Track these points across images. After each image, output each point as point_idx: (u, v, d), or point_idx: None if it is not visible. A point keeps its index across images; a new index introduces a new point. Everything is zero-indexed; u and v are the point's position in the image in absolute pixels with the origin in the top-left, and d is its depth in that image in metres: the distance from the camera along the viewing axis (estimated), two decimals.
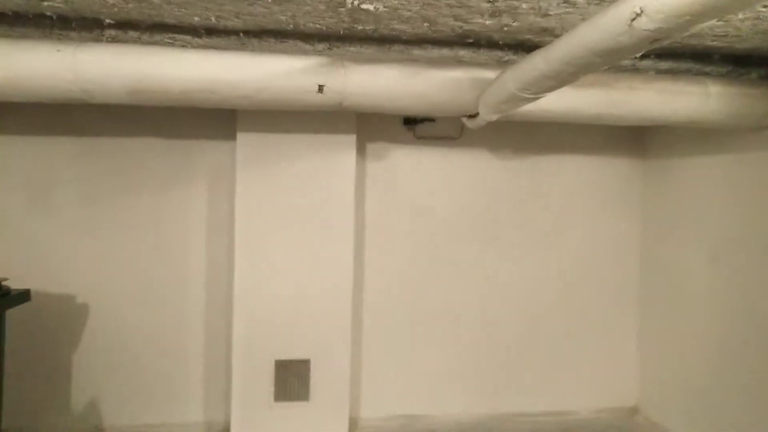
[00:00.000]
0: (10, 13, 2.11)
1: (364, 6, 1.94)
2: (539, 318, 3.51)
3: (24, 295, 2.46)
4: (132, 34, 2.28)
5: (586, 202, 3.54)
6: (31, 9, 2.05)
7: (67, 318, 3.09)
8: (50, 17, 2.14)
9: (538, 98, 2.04)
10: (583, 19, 1.80)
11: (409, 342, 3.39)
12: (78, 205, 3.10)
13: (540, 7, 1.91)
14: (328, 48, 2.44)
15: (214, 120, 3.15)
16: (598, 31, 1.47)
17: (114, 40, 2.31)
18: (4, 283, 2.39)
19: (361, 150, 3.25)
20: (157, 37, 2.31)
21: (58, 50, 2.15)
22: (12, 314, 2.48)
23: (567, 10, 1.93)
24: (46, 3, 1.98)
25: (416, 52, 2.47)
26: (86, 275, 3.09)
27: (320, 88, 2.28)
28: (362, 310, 3.32)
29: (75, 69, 2.13)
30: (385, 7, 1.94)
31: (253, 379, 3.03)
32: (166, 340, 3.17)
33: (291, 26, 2.19)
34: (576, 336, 3.54)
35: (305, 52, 2.41)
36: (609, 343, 3.58)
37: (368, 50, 2.46)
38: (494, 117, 2.39)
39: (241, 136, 2.99)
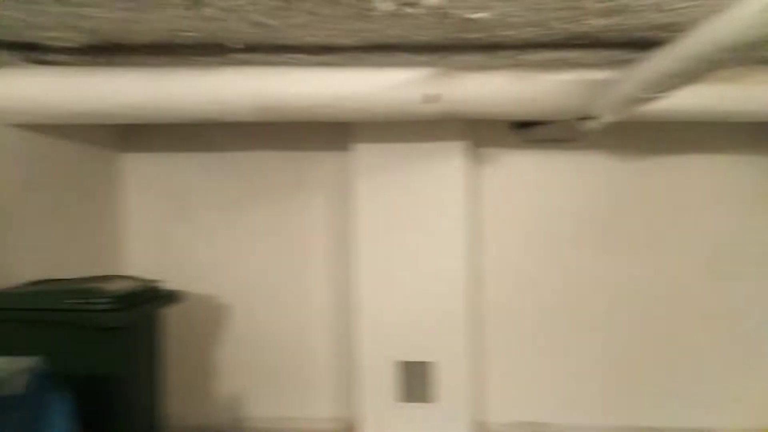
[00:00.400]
0: (153, 45, 2.40)
1: (472, 16, 1.97)
2: (674, 327, 3.28)
3: (176, 296, 2.70)
4: (258, 56, 2.48)
5: (722, 202, 3.27)
6: (171, 39, 2.31)
7: (209, 317, 3.40)
8: (187, 45, 2.40)
9: (660, 98, 1.95)
10: (706, 13, 1.69)
11: (534, 348, 3.33)
12: (212, 213, 3.41)
13: (658, 4, 1.83)
14: (436, 58, 2.49)
15: (328, 132, 3.32)
16: (728, 26, 1.38)
17: (242, 63, 2.53)
18: (159, 285, 2.65)
19: (472, 155, 3.26)
20: (280, 57, 2.50)
21: (195, 75, 2.40)
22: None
23: (687, 4, 1.83)
24: (184, 34, 2.23)
25: (523, 56, 2.45)
26: (223, 277, 3.40)
27: (430, 98, 2.34)
28: (484, 314, 3.31)
29: (210, 91, 2.36)
30: (493, 15, 1.96)
31: (376, 379, 3.15)
32: (295, 339, 3.39)
33: (400, 40, 2.28)
34: (716, 347, 3.27)
35: (414, 64, 2.48)
36: (754, 356, 3.27)
37: (475, 57, 2.48)
38: (612, 119, 2.31)
39: (355, 147, 3.14)
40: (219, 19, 2.04)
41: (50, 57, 2.50)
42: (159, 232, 3.45)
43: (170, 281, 2.78)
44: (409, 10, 1.94)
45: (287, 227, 3.40)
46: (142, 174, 3.45)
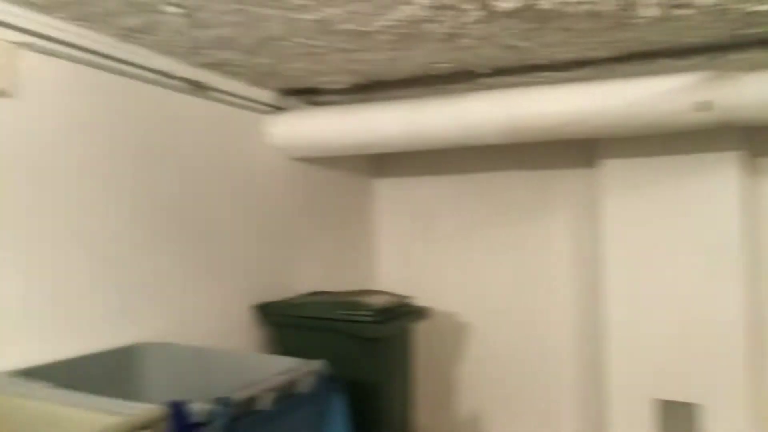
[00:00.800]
0: (408, 78, 2.60)
1: (759, 8, 1.71)
2: None
3: (426, 312, 2.84)
4: (505, 79, 2.52)
5: None
6: (425, 71, 2.48)
7: (452, 334, 3.52)
8: (437, 76, 2.55)
9: None
10: None
11: None
12: (458, 233, 3.54)
13: None
14: (704, 60, 2.23)
15: (572, 148, 3.19)
16: None
17: (489, 87, 2.59)
18: (410, 301, 2.82)
19: (749, 167, 2.81)
20: (527, 78, 2.50)
21: (445, 103, 2.53)
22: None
23: None
24: (438, 65, 2.38)
25: None
26: (465, 296, 3.49)
27: (702, 106, 2.09)
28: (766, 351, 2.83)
29: (460, 117, 2.46)
30: None
31: (628, 417, 2.89)
32: (537, 363, 3.31)
33: (662, 45, 2.09)
34: None
35: (676, 70, 2.25)
36: None
37: (758, 55, 2.15)
38: None
39: (603, 163, 2.96)
40: (472, 48, 2.12)
41: (323, 98, 2.88)
42: (405, 250, 3.69)
43: (414, 296, 2.95)
44: (678, 12, 1.77)
45: (530, 247, 3.34)
46: (392, 197, 3.74)
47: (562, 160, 3.27)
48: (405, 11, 1.76)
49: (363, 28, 1.91)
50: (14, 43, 1.70)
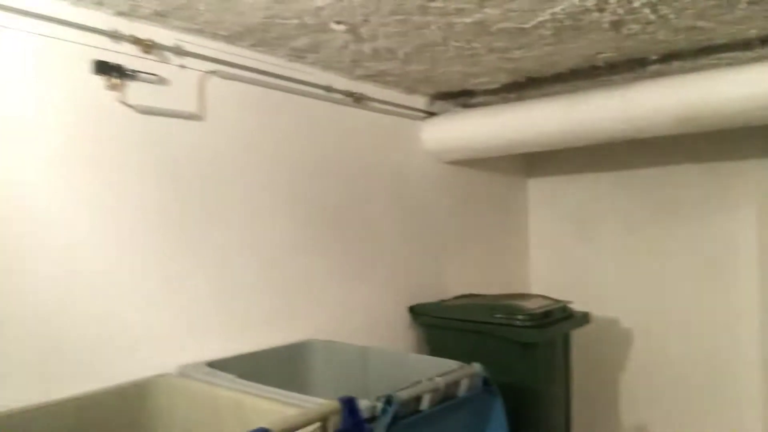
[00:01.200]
0: (564, 72, 2.48)
1: None
2: None
3: (586, 318, 2.70)
4: (675, 64, 2.30)
5: None
6: (586, 63, 2.35)
7: (613, 340, 3.31)
8: (597, 67, 2.40)
9: None
10: None
11: None
12: (618, 233, 3.31)
13: None
14: None
15: (755, 137, 2.82)
16: None
17: (657, 75, 2.38)
18: (569, 306, 2.69)
19: None
20: (701, 61, 2.26)
21: (607, 95, 2.37)
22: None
23: None
24: (600, 56, 2.24)
25: None
26: (629, 300, 3.26)
27: None
28: None
29: (625, 109, 2.29)
30: None
31: None
32: (715, 375, 3.00)
33: None
34: None
35: None
36: None
37: None
38: None
39: None
40: (641, 34, 1.97)
41: (475, 100, 2.86)
42: (560, 252, 3.53)
43: (572, 301, 2.80)
44: None
45: (705, 247, 3.02)
46: (545, 197, 3.61)
47: (744, 150, 2.91)
48: (565, 4, 1.69)
49: (521, 26, 1.86)
50: (205, 72, 1.92)
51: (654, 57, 2.25)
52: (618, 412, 3.30)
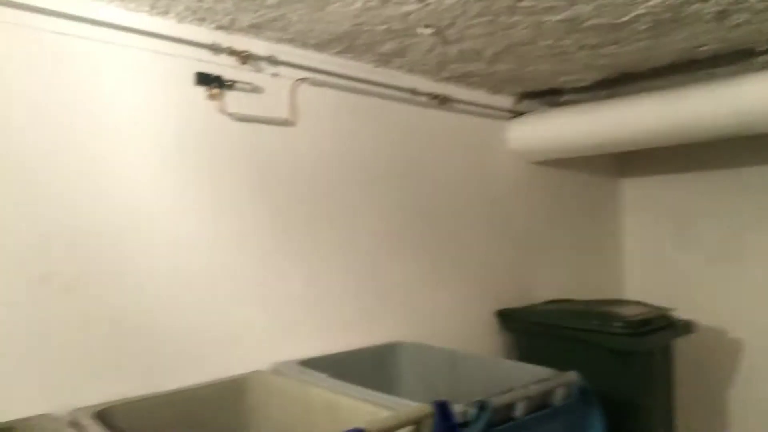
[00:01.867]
0: (660, 67, 2.34)
1: None
2: None
3: (690, 326, 2.53)
4: None
5: None
6: (685, 57, 2.21)
7: (716, 350, 3.09)
8: (696, 61, 2.25)
9: None
10: None
11: None
12: (717, 235, 3.10)
13: None
14: None
15: None
16: None
17: (766, 67, 2.20)
18: (670, 313, 2.53)
19: None
20: None
21: (709, 90, 2.22)
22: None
23: None
24: (701, 49, 2.10)
25: None
26: (735, 310, 3.03)
27: None
28: None
29: (731, 104, 2.14)
30: None
31: None
32: None
33: None
34: None
35: None
36: None
37: None
38: None
39: None
40: (749, 24, 1.82)
41: (563, 98, 2.77)
42: (656, 256, 3.34)
43: (674, 308, 2.63)
44: None
45: None
46: (639, 198, 3.43)
47: None
48: None
49: (614, 21, 1.79)
50: (296, 79, 1.99)
51: (762, 48, 2.08)
52: (726, 425, 3.06)
